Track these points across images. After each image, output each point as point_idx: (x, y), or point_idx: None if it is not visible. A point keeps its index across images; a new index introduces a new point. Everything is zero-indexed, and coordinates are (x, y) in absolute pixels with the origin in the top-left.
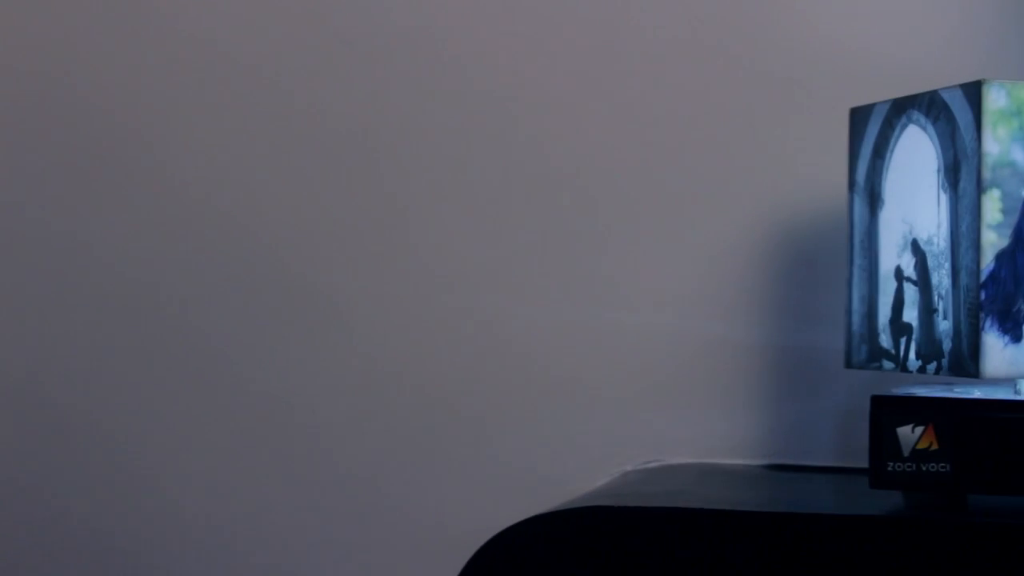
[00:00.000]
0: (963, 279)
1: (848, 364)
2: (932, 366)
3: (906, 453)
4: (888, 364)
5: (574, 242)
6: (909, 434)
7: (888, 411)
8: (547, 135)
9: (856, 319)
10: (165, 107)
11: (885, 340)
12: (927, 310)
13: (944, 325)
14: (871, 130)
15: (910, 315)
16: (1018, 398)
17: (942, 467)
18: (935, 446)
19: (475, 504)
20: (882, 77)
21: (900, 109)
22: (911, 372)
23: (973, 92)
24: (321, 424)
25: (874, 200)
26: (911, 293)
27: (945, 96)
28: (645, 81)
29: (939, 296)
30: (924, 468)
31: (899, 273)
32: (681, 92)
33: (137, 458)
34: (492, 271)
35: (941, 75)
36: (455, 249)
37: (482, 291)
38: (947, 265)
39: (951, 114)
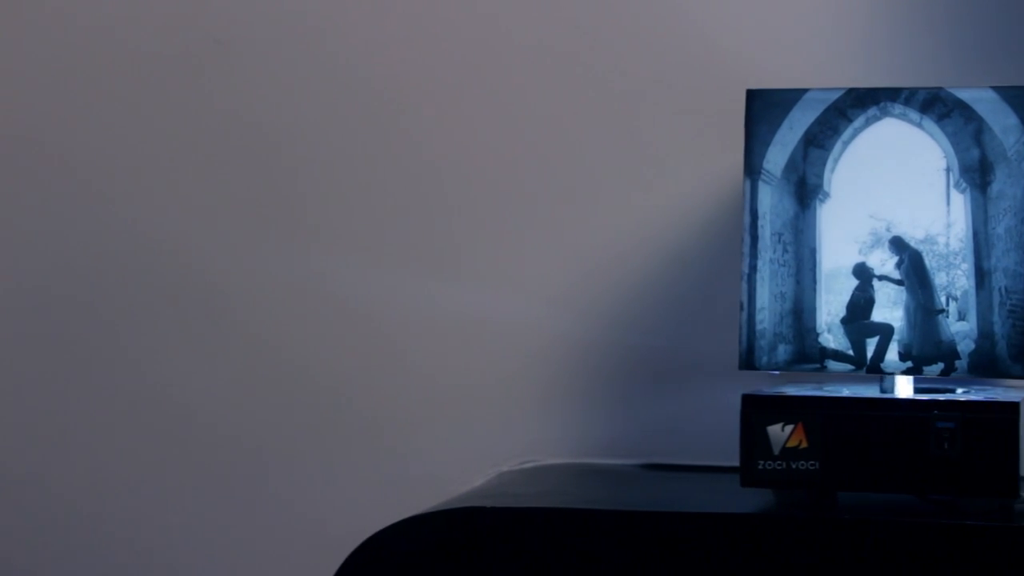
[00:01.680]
0: (997, 281)
1: (750, 365)
2: (935, 367)
3: (776, 451)
4: (837, 365)
5: (453, 237)
6: (779, 432)
7: (758, 410)
8: (428, 133)
9: (769, 317)
10: (51, 104)
11: (834, 340)
12: (926, 310)
13: (960, 326)
14: (798, 117)
15: (888, 315)
16: (885, 396)
17: (812, 465)
18: (805, 444)
19: (350, 506)
20: (764, 72)
21: (865, 100)
22: (890, 374)
23: (1020, 97)
24: (194, 428)
25: (807, 192)
26: (890, 292)
27: (963, 96)
28: (529, 75)
29: (950, 297)
30: (794, 466)
31: (864, 271)
32: (566, 85)
33: (9, 450)
34: (365, 269)
35: (824, 69)
36: (329, 249)
37: (357, 290)
38: (965, 266)
39: (973, 114)
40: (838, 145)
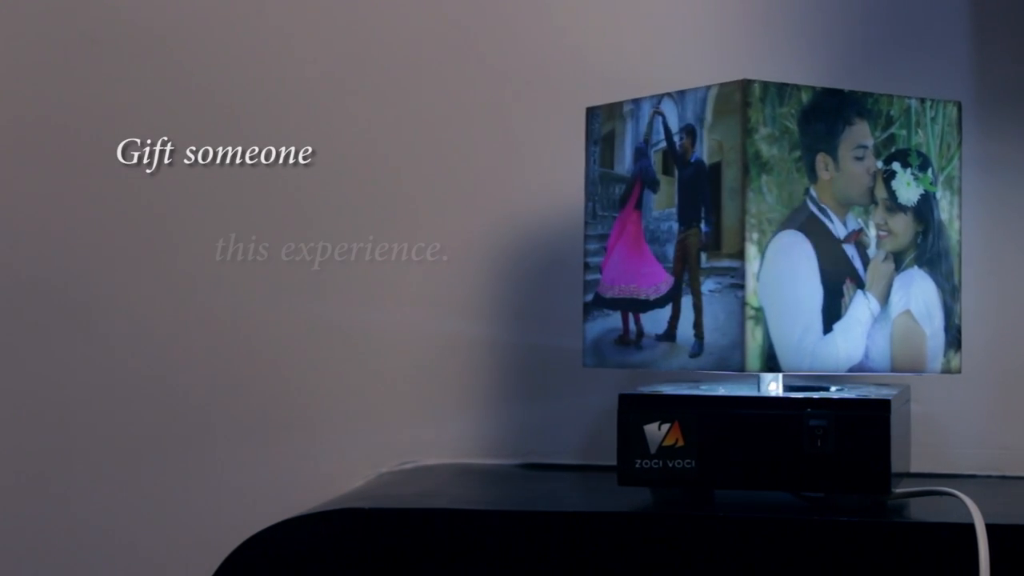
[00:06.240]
0: None
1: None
2: None
3: (653, 450)
4: None
5: (319, 241)
6: (656, 431)
7: (635, 409)
8: (285, 135)
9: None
10: None
11: None
12: None
13: None
14: None
15: None
16: (759, 395)
17: (688, 463)
18: (681, 443)
19: (229, 507)
20: (616, 77)
21: None
22: None
23: None
24: (69, 426)
25: None
26: None
27: None
28: (396, 71)
29: None
30: (671, 464)
31: None
32: (423, 91)
33: None
34: (236, 272)
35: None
36: (206, 259)
37: (228, 293)
38: None
39: None
40: None
